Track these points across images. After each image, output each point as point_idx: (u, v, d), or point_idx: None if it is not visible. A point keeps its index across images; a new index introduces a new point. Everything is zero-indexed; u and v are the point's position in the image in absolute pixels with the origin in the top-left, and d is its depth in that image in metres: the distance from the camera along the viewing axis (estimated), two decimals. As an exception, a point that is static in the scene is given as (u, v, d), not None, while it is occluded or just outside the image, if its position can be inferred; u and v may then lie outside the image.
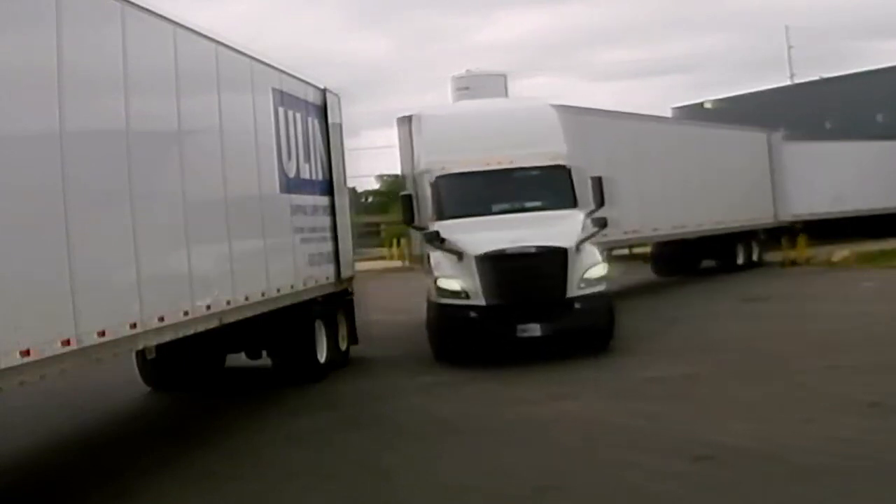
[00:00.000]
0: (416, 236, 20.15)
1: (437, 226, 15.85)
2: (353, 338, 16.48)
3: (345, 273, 16.23)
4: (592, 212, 15.98)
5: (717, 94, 58.18)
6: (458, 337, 15.29)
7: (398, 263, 39.83)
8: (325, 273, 15.43)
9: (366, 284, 18.92)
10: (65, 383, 10.53)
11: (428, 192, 16.67)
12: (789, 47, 67.68)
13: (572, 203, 16.25)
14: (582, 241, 15.39)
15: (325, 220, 15.70)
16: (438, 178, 16.48)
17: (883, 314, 17.99)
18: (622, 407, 11.45)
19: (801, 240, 32.47)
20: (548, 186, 16.58)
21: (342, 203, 16.36)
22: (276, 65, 13.98)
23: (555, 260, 15.01)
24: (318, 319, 14.88)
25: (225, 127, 11.89)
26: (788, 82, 62.10)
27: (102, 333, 8.59)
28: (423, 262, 19.13)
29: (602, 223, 15.90)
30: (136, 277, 9.33)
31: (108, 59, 9.23)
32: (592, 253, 15.53)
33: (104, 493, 9.09)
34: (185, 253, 10.52)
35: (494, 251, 15.05)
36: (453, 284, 15.24)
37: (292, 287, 13.77)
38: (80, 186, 8.40)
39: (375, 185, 68.41)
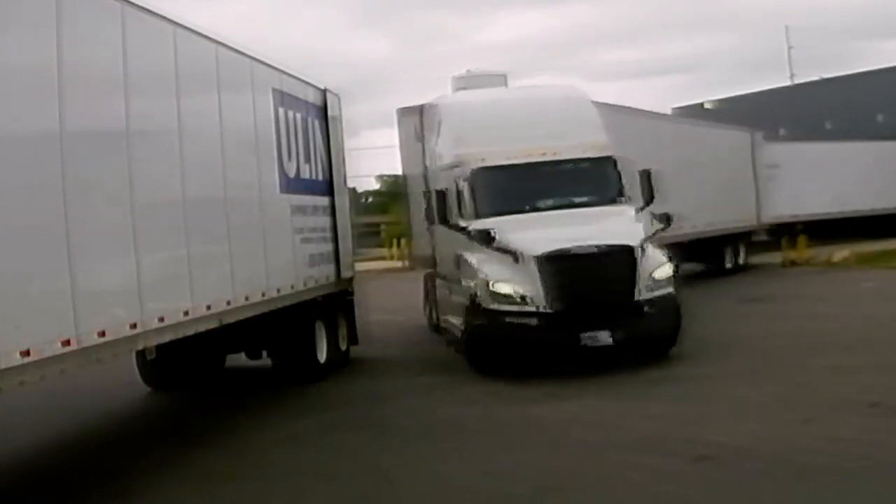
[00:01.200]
0: (420, 236, 19.39)
1: (478, 224, 14.51)
2: (353, 338, 16.46)
3: (345, 273, 16.22)
4: (642, 207, 15.02)
5: (717, 94, 58.39)
6: (515, 347, 13.73)
7: (398, 263, 39.80)
8: (325, 273, 15.42)
9: (366, 284, 18.87)
10: (65, 383, 10.51)
11: (457, 187, 15.29)
12: (789, 47, 67.87)
13: (622, 198, 15.26)
14: (647, 239, 14.35)
15: (325, 221, 15.69)
16: (476, 171, 15.06)
17: (883, 314, 17.98)
18: (623, 407, 11.44)
19: (801, 240, 32.47)
20: (595, 180, 15.43)
21: (342, 203, 16.34)
22: (276, 65, 13.97)
23: (622, 260, 13.82)
24: (318, 320, 14.88)
25: (225, 127, 11.89)
26: (788, 82, 62.24)
27: (102, 333, 8.59)
28: (435, 263, 18.23)
29: (667, 219, 15.05)
30: (136, 277, 9.32)
31: (108, 59, 9.23)
32: (656, 251, 14.46)
33: (104, 493, 9.09)
34: (185, 253, 10.52)
35: (556, 251, 13.71)
36: (510, 289, 13.84)
37: (292, 287, 13.77)
38: (80, 186, 8.40)
39: (375, 185, 68.40)
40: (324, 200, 15.67)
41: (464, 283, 14.93)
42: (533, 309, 13.68)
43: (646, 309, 13.77)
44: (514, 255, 13.97)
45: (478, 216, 14.76)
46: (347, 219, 16.61)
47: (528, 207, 14.92)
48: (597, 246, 13.84)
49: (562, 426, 10.82)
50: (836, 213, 36.23)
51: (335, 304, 15.84)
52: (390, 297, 23.43)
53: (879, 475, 8.05)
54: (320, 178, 15.60)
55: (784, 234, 33.21)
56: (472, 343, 14.41)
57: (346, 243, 16.35)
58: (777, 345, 15.30)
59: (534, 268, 13.71)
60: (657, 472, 8.65)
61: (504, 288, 13.89)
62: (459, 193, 15.26)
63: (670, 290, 14.19)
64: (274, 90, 13.78)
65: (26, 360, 7.48)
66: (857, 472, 8.23)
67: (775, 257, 32.35)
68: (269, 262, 13.00)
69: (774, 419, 10.36)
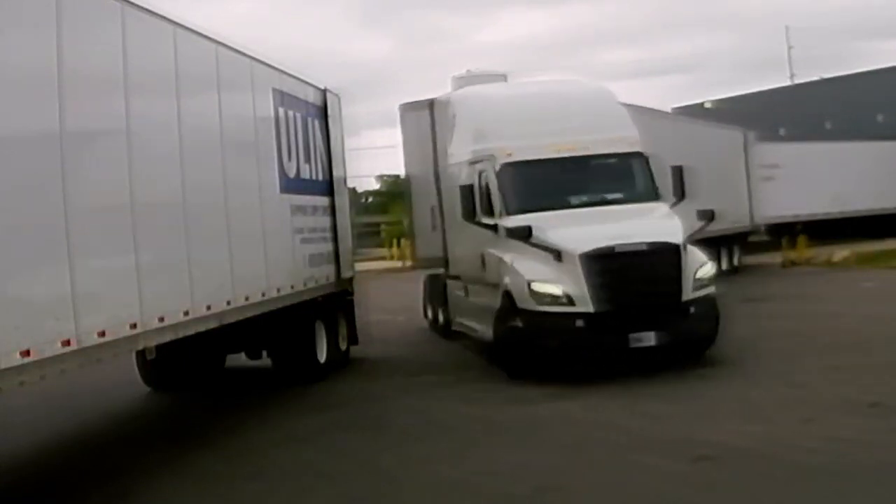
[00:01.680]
0: (424, 235, 18.98)
1: (509, 221, 13.98)
2: (353, 338, 16.46)
3: (345, 273, 16.23)
4: (674, 204, 14.59)
5: (717, 94, 58.41)
6: (559, 350, 13.18)
7: (398, 263, 39.83)
8: (325, 273, 15.43)
9: (366, 284, 18.87)
10: (65, 383, 10.52)
11: (480, 183, 14.78)
12: (789, 47, 67.97)
13: (655, 194, 14.82)
14: (690, 237, 13.94)
15: (325, 221, 15.69)
16: (505, 166, 14.49)
17: (883, 314, 18.00)
18: (623, 406, 11.44)
19: (801, 240, 32.47)
20: (627, 176, 15.07)
21: (342, 203, 16.34)
22: (276, 65, 13.97)
23: (668, 258, 13.33)
24: (318, 320, 14.88)
25: (225, 127, 11.89)
26: (788, 82, 62.29)
27: (102, 333, 8.59)
28: (447, 263, 17.52)
29: (709, 216, 14.76)
30: (136, 277, 9.32)
31: (108, 59, 9.23)
32: (695, 250, 13.96)
33: (104, 493, 9.09)
34: (185, 253, 10.51)
35: (603, 249, 13.17)
36: (554, 289, 13.21)
37: (292, 287, 13.77)
38: (80, 186, 8.40)
39: (375, 185, 68.55)
40: (324, 200, 15.67)
41: (491, 282, 14.47)
42: (578, 309, 13.09)
43: (691, 310, 13.38)
44: (556, 253, 13.36)
45: (508, 213, 14.24)
46: (347, 219, 16.61)
47: (560, 204, 14.39)
48: (646, 243, 13.36)
49: (562, 426, 10.82)
50: (836, 213, 36.21)
51: (335, 304, 15.83)
52: (390, 297, 23.43)
53: (879, 475, 8.05)
54: (320, 178, 15.60)
55: (784, 234, 33.19)
56: (507, 346, 13.75)
57: (345, 243, 16.35)
58: (777, 345, 15.30)
59: (578, 266, 13.14)
60: (657, 472, 8.65)
61: (546, 287, 13.27)
62: (484, 189, 14.76)
63: (712, 289, 13.84)
64: (274, 90, 13.78)
65: (26, 360, 7.47)
66: (857, 472, 8.23)
67: (775, 257, 32.33)
68: (269, 261, 13.00)
69: (774, 419, 10.36)
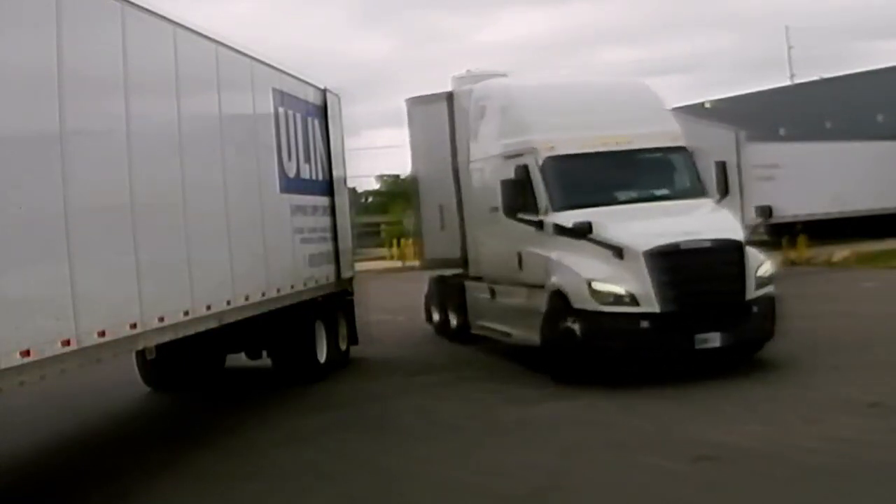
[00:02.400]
0: (433, 235, 18.49)
1: (555, 218, 13.40)
2: (353, 338, 16.45)
3: (345, 273, 16.23)
4: (718, 200, 14.31)
5: (717, 94, 58.36)
6: (623, 352, 12.58)
7: (398, 263, 39.84)
8: (325, 273, 15.43)
9: (366, 284, 18.86)
10: (65, 383, 10.53)
11: (516, 177, 13.99)
12: (789, 47, 67.92)
13: (701, 190, 14.42)
14: (750, 233, 13.47)
15: (325, 221, 15.69)
16: (549, 160, 13.84)
17: (883, 314, 17.99)
18: (623, 406, 11.44)
19: (801, 240, 32.44)
20: (673, 171, 14.68)
21: (342, 203, 16.34)
22: (276, 65, 13.97)
23: (732, 256, 12.86)
24: (318, 320, 14.88)
25: (225, 127, 11.90)
26: (788, 82, 62.25)
27: (102, 333, 8.59)
28: (466, 264, 16.93)
29: (767, 212, 14.37)
30: (136, 277, 9.33)
31: (108, 59, 9.23)
32: (752, 248, 13.43)
33: (104, 493, 9.09)
34: (185, 253, 10.51)
35: (667, 246, 12.58)
36: (617, 288, 12.60)
37: (292, 287, 13.78)
38: (80, 186, 8.39)
39: (375, 185, 68.65)
40: (324, 200, 15.67)
41: (531, 283, 13.94)
42: (643, 310, 12.49)
43: (754, 309, 12.96)
44: (617, 251, 12.75)
45: (553, 209, 13.60)
46: (347, 219, 16.61)
47: (607, 200, 13.84)
48: (710, 240, 12.90)
49: (562, 426, 10.82)
50: (836, 213, 36.13)
51: (335, 303, 15.83)
52: (390, 297, 23.43)
53: (879, 475, 8.05)
54: (320, 178, 15.60)
55: (784, 234, 33.16)
56: (560, 349, 12.90)
57: (345, 243, 16.35)
58: (776, 345, 15.24)
59: (642, 264, 12.53)
60: (657, 472, 8.65)
61: (608, 287, 12.63)
62: (524, 184, 13.98)
63: (772, 288, 13.42)
64: (274, 90, 13.78)
65: (26, 360, 7.47)
66: (858, 472, 8.24)
67: (775, 257, 32.28)
68: (269, 261, 13.01)
69: (774, 419, 10.36)
